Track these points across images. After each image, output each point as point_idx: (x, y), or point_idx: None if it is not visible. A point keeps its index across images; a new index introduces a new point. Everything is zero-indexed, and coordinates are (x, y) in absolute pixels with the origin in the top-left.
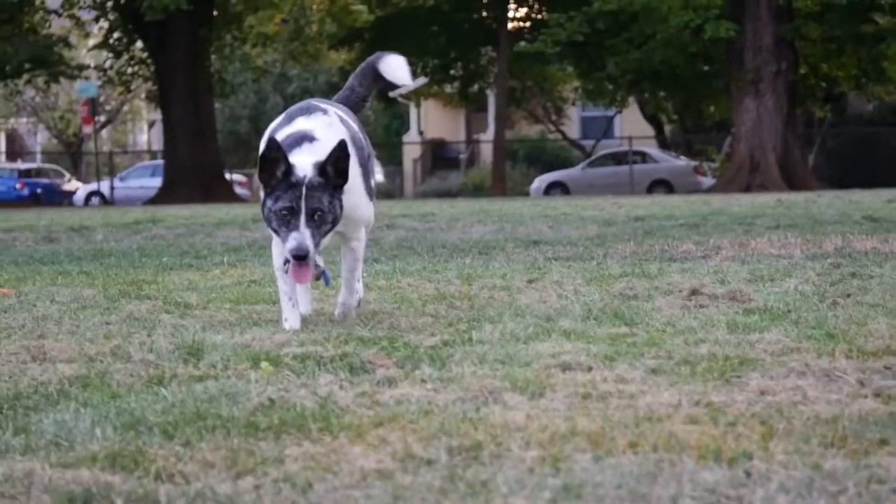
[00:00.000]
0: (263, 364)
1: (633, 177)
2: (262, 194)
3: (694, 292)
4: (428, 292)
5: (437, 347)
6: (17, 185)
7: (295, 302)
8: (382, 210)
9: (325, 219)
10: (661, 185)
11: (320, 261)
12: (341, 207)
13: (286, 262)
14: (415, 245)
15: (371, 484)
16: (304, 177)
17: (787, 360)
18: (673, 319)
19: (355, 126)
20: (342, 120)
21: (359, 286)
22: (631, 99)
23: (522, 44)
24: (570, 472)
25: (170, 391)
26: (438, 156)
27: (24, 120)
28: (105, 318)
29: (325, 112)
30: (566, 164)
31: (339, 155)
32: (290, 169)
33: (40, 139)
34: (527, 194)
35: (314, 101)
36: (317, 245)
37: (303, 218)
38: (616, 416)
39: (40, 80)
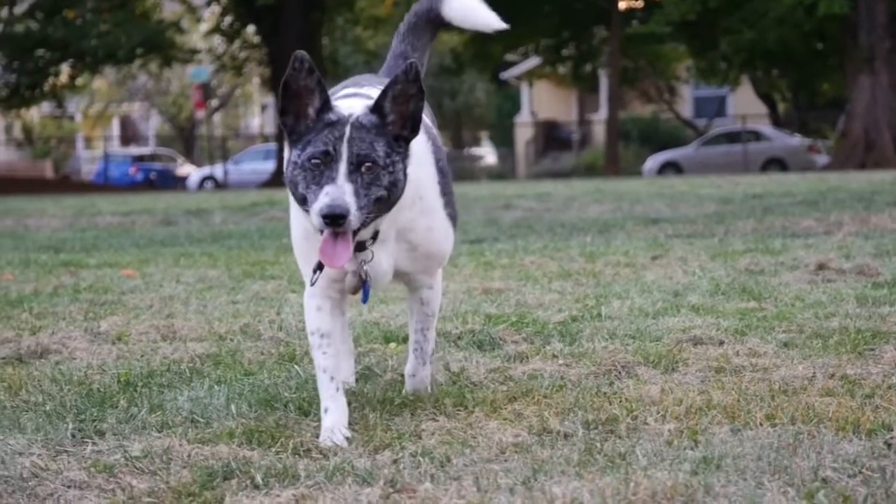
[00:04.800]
0: (392, 344)
1: (748, 155)
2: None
3: (820, 267)
4: (552, 269)
5: (565, 323)
6: (131, 170)
7: (339, 385)
8: (497, 190)
9: (377, 176)
10: (776, 164)
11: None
12: (405, 174)
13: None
14: (533, 224)
15: (509, 458)
16: (350, 115)
17: None
18: (801, 294)
19: (427, 114)
20: None
21: (429, 348)
22: (744, 77)
23: (634, 22)
24: (708, 444)
25: (302, 368)
26: (551, 137)
27: (137, 105)
28: (231, 298)
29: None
30: (679, 143)
31: (406, 88)
32: (326, 103)
33: (153, 124)
34: (640, 174)
35: (368, 76)
36: (364, 214)
37: (343, 167)
38: (751, 389)
39: (153, 66)
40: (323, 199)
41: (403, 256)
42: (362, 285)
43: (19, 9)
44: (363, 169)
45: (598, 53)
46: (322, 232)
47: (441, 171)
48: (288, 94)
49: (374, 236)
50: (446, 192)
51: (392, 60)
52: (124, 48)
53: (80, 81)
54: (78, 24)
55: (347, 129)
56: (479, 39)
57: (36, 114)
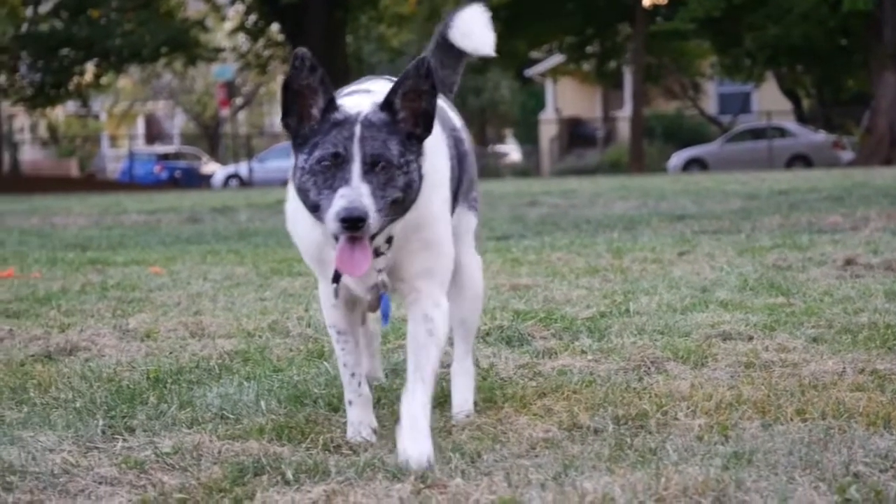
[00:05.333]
0: None
1: (772, 152)
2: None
3: (848, 262)
4: (579, 266)
5: (594, 319)
6: (156, 169)
7: (361, 380)
8: (522, 187)
9: (392, 176)
10: (800, 160)
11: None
12: (420, 175)
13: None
14: (559, 221)
15: (540, 453)
16: (358, 113)
17: None
18: (830, 289)
19: (457, 121)
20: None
21: (425, 391)
22: (768, 73)
23: (659, 19)
24: (739, 439)
25: (331, 364)
26: (575, 134)
27: (162, 104)
28: (259, 295)
29: None
30: (703, 139)
31: (418, 84)
32: (331, 102)
33: (178, 123)
34: (664, 170)
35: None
36: (382, 217)
37: (356, 167)
38: (781, 384)
39: (177, 64)
40: (338, 202)
41: (415, 254)
42: (380, 301)
43: (44, 8)
44: (377, 169)
45: (623, 50)
46: (337, 239)
47: (451, 171)
48: (290, 94)
49: (390, 242)
50: (466, 190)
51: None
52: (149, 47)
53: (104, 80)
54: (102, 24)
55: (357, 128)
56: (503, 37)
57: (61, 113)
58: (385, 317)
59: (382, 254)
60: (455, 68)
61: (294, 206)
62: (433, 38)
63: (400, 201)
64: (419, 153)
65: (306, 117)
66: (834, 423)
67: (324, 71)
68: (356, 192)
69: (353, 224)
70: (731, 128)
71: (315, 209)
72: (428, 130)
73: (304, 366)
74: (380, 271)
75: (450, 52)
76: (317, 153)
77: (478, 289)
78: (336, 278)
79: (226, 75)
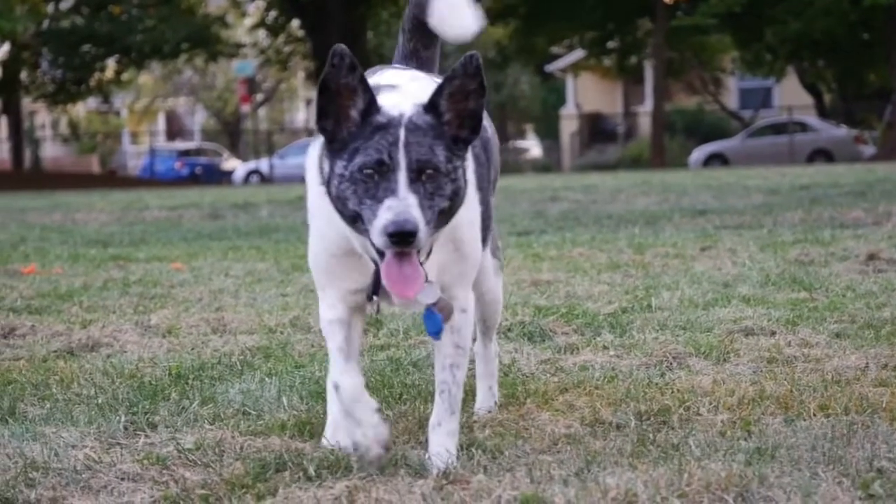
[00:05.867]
0: None
1: (793, 147)
2: (319, 167)
3: (871, 257)
4: (600, 261)
5: (615, 314)
6: (177, 165)
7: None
8: (543, 183)
9: (440, 185)
10: (822, 155)
11: (433, 293)
12: (465, 181)
13: (379, 258)
14: (580, 216)
15: (562, 449)
16: (401, 115)
17: None
18: (852, 284)
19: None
20: None
21: (459, 393)
22: (789, 68)
23: (679, 14)
24: (762, 435)
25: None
26: (596, 129)
27: (183, 100)
28: (281, 291)
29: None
30: (724, 134)
31: (466, 84)
32: (372, 104)
33: (198, 119)
34: (685, 166)
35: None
36: (431, 229)
37: (403, 176)
38: (804, 379)
39: (198, 60)
40: (385, 214)
41: (447, 261)
42: (429, 313)
43: (65, 4)
44: (424, 177)
45: (643, 45)
46: (381, 255)
47: (477, 159)
48: (327, 95)
49: (428, 253)
50: (482, 186)
51: (403, 62)
52: (170, 43)
53: (125, 76)
54: (123, 20)
55: (402, 133)
56: (523, 32)
57: (82, 109)
58: (434, 325)
59: (422, 263)
60: (436, 49)
61: (318, 204)
62: (406, 18)
63: (447, 211)
64: (464, 157)
65: (344, 119)
66: (857, 419)
67: (362, 70)
68: (404, 204)
69: (402, 238)
70: (752, 123)
71: (354, 220)
72: (475, 133)
73: (326, 362)
74: (428, 282)
75: (425, 35)
76: (358, 159)
77: (497, 293)
78: (374, 292)
79: (246, 71)
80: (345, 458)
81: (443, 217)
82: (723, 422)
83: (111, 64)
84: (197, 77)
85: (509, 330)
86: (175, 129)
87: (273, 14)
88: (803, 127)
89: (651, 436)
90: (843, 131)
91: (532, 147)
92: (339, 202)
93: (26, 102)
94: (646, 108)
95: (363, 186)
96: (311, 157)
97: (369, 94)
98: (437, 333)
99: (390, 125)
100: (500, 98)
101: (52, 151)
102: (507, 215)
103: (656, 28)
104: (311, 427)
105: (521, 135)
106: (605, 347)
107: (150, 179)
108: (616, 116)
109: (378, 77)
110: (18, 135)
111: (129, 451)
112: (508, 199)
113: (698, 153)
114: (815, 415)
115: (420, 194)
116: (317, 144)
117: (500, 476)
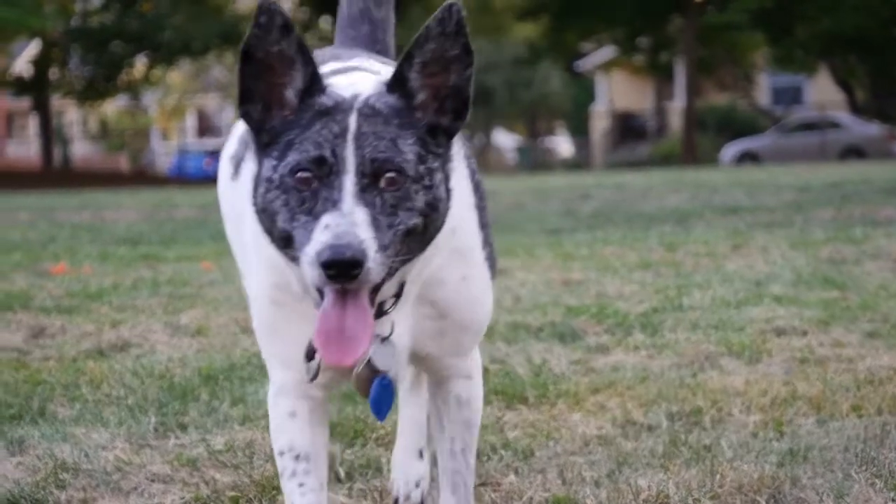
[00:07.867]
0: None
1: (825, 144)
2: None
3: None
4: (631, 260)
5: (647, 314)
6: (205, 163)
7: None
8: (573, 181)
9: (406, 194)
10: (853, 152)
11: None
12: (448, 189)
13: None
14: (611, 214)
15: (593, 450)
16: (355, 97)
17: None
18: (885, 283)
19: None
20: None
21: (472, 477)
22: (821, 65)
23: (710, 8)
24: (794, 435)
25: None
26: (626, 126)
27: (212, 97)
28: None
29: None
30: (756, 132)
31: (444, 46)
32: (315, 80)
33: (227, 116)
34: (717, 163)
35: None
36: (390, 258)
37: (350, 181)
38: (836, 379)
39: (228, 58)
40: (321, 236)
41: (427, 328)
42: (373, 379)
43: (94, 2)
44: (383, 183)
45: (674, 42)
46: (321, 293)
47: (477, 189)
48: (252, 68)
49: (398, 293)
50: (484, 225)
51: (350, 27)
52: (199, 41)
53: (154, 74)
54: (153, 17)
55: (353, 119)
56: (553, 29)
57: (111, 107)
58: (380, 412)
59: (386, 312)
60: (389, 8)
61: (253, 228)
62: None
63: (418, 232)
64: (448, 155)
65: (276, 102)
66: (890, 419)
67: (300, 35)
68: (347, 221)
69: (342, 271)
70: (783, 120)
71: (285, 243)
72: (460, 118)
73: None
74: (383, 339)
75: None
76: (290, 157)
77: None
78: (312, 352)
79: None
80: (375, 459)
81: (413, 241)
82: (755, 422)
83: (140, 61)
84: (226, 74)
85: (540, 330)
86: (204, 127)
87: (302, 11)
88: (835, 124)
89: (683, 437)
90: (874, 128)
91: (562, 145)
92: (265, 218)
93: (55, 100)
94: (677, 105)
95: (296, 196)
96: (228, 155)
97: (311, 67)
98: (380, 412)
99: (338, 109)
100: (530, 96)
101: (81, 150)
102: (537, 214)
103: (687, 25)
104: (341, 428)
105: (552, 132)
106: (636, 348)
107: (178, 177)
108: (647, 113)
109: (341, 62)
110: (48, 133)
111: (160, 452)
112: (539, 197)
113: (729, 150)
114: (847, 415)
115: (375, 207)
116: (236, 137)
117: (531, 478)
